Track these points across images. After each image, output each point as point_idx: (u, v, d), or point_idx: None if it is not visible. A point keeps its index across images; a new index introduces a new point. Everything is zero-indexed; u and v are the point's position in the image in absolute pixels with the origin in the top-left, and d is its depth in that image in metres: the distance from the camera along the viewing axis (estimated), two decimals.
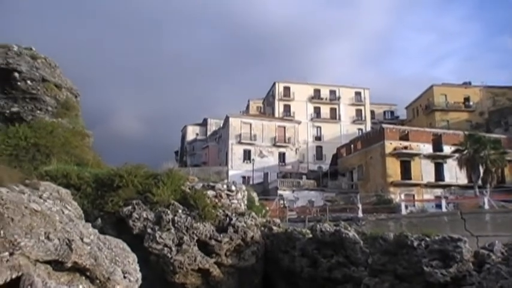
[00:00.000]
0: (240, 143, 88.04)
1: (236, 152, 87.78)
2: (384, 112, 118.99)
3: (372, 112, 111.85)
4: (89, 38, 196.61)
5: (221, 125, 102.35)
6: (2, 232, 9.00)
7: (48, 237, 9.73)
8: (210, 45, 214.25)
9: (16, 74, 28.24)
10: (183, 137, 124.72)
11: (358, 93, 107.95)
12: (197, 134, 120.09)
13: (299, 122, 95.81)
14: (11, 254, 8.79)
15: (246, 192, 26.92)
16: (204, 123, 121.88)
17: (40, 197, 12.10)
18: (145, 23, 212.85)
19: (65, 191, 13.56)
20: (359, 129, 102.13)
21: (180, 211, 22.93)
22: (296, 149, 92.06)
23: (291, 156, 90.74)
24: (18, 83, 28.32)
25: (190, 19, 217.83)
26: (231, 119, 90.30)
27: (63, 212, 11.82)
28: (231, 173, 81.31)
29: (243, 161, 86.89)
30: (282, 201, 59.09)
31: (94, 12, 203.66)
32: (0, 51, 28.79)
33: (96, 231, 12.03)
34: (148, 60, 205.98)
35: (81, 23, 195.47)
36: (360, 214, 44.96)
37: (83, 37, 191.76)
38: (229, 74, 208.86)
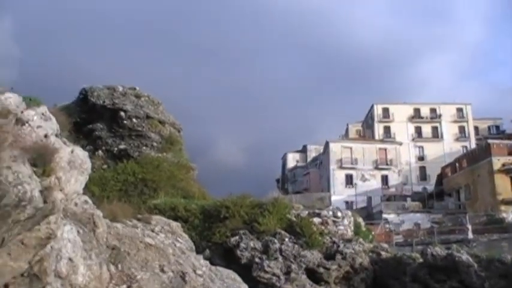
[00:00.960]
0: (341, 167, 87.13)
1: (338, 177, 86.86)
2: (489, 127, 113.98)
3: (476, 128, 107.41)
4: (187, 72, 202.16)
5: (321, 151, 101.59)
6: (119, 266, 9.33)
7: (162, 270, 9.98)
8: (306, 71, 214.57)
9: (122, 113, 29.54)
10: (284, 164, 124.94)
11: (459, 110, 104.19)
12: (297, 161, 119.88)
13: (400, 143, 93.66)
14: (128, 287, 9.07)
15: (352, 218, 26.55)
16: (303, 150, 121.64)
17: (153, 230, 12.50)
18: (242, 53, 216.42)
19: (175, 224, 13.93)
20: (463, 146, 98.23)
21: (287, 239, 22.93)
22: (399, 171, 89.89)
23: (393, 179, 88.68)
24: (125, 122, 29.58)
25: (285, 46, 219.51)
26: (331, 144, 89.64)
27: (175, 245, 12.14)
28: (333, 198, 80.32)
29: (345, 186, 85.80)
30: (387, 225, 57.76)
31: (190, 47, 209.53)
32: (107, 93, 30.27)
33: (208, 262, 12.26)
34: (246, 90, 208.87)
35: (178, 59, 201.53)
36: (470, 235, 43.12)
37: (182, 72, 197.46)
38: (326, 99, 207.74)
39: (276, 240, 22.76)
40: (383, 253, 24.82)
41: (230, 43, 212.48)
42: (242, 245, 22.77)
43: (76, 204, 10.46)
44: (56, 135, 9.10)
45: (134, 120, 29.74)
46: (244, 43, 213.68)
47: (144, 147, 29.61)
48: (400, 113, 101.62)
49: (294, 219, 24.21)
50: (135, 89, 31.48)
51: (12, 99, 8.30)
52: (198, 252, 16.39)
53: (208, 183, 35.73)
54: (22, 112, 8.46)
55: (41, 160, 8.27)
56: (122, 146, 29.57)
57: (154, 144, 29.90)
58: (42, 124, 8.77)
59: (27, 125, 8.45)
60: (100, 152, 29.50)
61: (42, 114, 9.03)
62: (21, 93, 9.13)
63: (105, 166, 28.41)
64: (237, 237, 23.09)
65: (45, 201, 8.21)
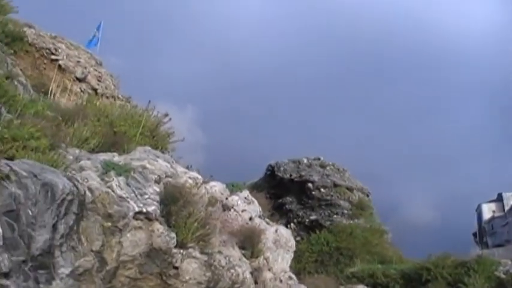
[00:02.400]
0: None
1: None
2: None
3: None
4: (372, 133, 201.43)
5: None
6: None
7: None
8: (492, 116, 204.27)
9: (310, 185, 30.19)
10: (479, 216, 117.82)
11: None
12: (494, 212, 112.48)
13: None
14: None
15: None
16: (499, 199, 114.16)
17: None
18: (421, 109, 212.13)
19: None
20: None
21: None
22: None
23: None
24: (313, 192, 30.17)
25: (470, 94, 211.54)
26: None
27: None
28: None
29: None
30: None
31: (376, 106, 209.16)
32: (293, 166, 31.23)
33: None
34: (432, 144, 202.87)
35: (361, 121, 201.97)
36: None
37: (366, 133, 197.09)
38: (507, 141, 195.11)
39: None
40: None
41: (409, 96, 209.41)
42: None
43: (281, 281, 10.69)
44: (260, 217, 9.51)
45: (322, 190, 30.21)
46: (422, 92, 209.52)
47: (335, 216, 29.78)
48: None
49: (503, 276, 22.55)
50: (319, 159, 32.15)
51: (217, 187, 8.86)
52: None
53: (402, 244, 34.76)
54: (227, 198, 9.00)
55: (249, 242, 8.66)
56: (313, 217, 30.04)
57: (345, 211, 29.99)
58: (246, 208, 9.23)
59: (232, 210, 8.94)
60: (292, 224, 30.11)
61: (245, 198, 9.52)
62: (206, 175, 9.80)
63: (298, 238, 28.85)
64: None
65: (255, 282, 8.52)
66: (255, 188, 30.17)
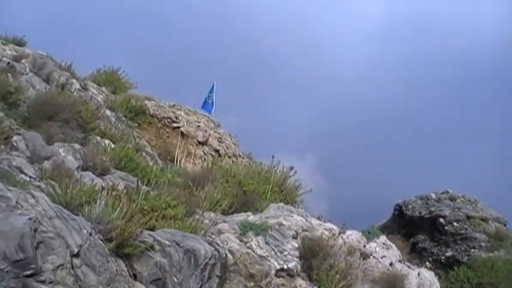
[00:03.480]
0: None
1: None
2: None
3: None
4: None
5: None
6: None
7: None
8: None
9: (441, 220, 29.11)
10: None
11: None
12: None
13: None
14: None
15: None
16: None
17: None
18: None
19: None
20: None
21: None
22: None
23: None
24: (445, 228, 29.04)
25: None
26: None
27: None
28: None
29: None
30: None
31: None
32: (421, 203, 30.29)
33: None
34: None
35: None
36: None
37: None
38: None
39: None
40: None
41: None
42: None
43: None
44: (400, 261, 9.30)
45: (455, 224, 29.01)
46: None
47: (472, 250, 28.40)
48: None
49: None
50: (448, 192, 31.05)
51: (353, 236, 8.80)
52: None
53: None
54: (364, 246, 8.89)
55: None
56: (448, 253, 28.83)
57: (482, 244, 28.57)
58: (385, 253, 9.07)
59: (371, 257, 8.81)
60: (427, 263, 29.11)
61: (383, 243, 9.36)
62: (336, 223, 9.72)
63: (436, 277, 27.79)
64: None
65: None
66: (384, 230, 29.58)
